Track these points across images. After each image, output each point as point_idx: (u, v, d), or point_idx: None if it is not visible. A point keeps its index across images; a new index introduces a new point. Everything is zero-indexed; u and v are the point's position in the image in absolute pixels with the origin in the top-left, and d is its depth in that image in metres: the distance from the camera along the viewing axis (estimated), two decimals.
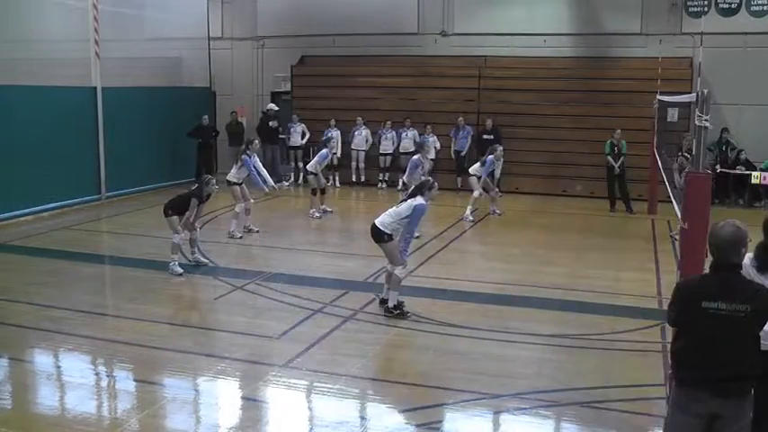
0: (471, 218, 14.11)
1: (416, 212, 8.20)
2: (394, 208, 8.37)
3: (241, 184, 12.57)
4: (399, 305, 8.33)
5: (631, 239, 13.13)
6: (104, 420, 5.97)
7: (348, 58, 19.25)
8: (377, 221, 8.31)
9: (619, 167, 15.29)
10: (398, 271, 8.27)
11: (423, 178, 11.69)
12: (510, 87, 17.87)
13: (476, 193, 14.23)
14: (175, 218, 10.05)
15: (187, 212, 10.15)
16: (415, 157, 13.14)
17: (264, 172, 12.86)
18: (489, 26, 18.32)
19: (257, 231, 12.68)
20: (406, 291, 9.37)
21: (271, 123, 18.52)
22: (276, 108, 18.91)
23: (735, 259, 4.02)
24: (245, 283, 9.55)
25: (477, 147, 17.50)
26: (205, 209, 11.15)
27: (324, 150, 14.52)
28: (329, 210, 14.82)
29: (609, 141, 15.37)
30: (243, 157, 12.55)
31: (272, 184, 13.02)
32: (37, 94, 13.77)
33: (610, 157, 15.33)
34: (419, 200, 8.25)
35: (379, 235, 8.30)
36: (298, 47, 19.89)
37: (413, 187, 8.79)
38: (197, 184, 10.57)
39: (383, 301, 8.49)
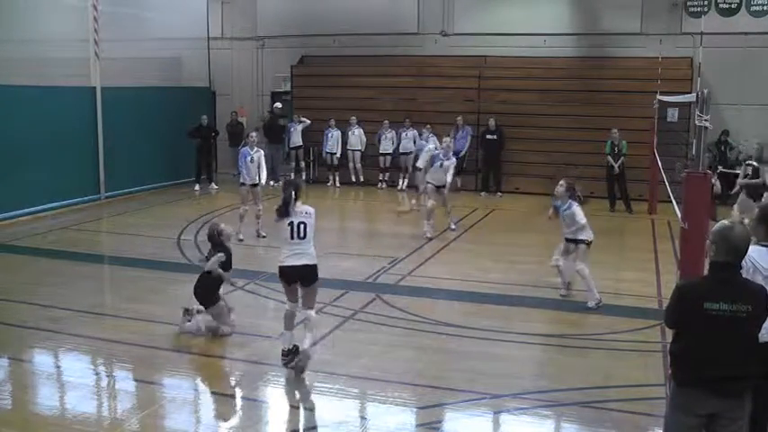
0: (429, 234, 12.48)
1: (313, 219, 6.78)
2: (297, 238, 6.63)
3: (254, 185, 12.12)
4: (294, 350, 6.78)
5: (631, 239, 13.13)
6: (104, 420, 5.97)
7: (348, 58, 19.25)
8: (305, 261, 6.63)
9: (618, 167, 15.29)
10: (315, 315, 6.95)
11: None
12: (510, 87, 17.86)
13: (429, 204, 12.50)
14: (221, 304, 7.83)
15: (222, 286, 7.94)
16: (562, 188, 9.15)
17: (263, 169, 12.22)
18: (489, 26, 18.32)
19: (263, 236, 12.18)
20: (406, 291, 9.41)
21: (281, 122, 18.28)
22: (280, 105, 18.88)
23: (741, 260, 4.03)
24: (245, 283, 9.54)
25: (480, 146, 17.54)
26: (206, 208, 11.01)
27: (422, 143, 14.06)
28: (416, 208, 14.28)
29: (609, 141, 15.38)
30: (241, 151, 12.28)
31: (262, 181, 12.28)
32: (37, 94, 13.77)
33: (609, 157, 15.34)
34: (310, 208, 6.76)
35: (315, 273, 6.75)
36: (298, 47, 19.89)
37: (282, 197, 6.76)
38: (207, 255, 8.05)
39: (289, 353, 6.77)
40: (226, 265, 7.82)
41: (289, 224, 6.60)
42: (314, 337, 6.87)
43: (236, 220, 12.20)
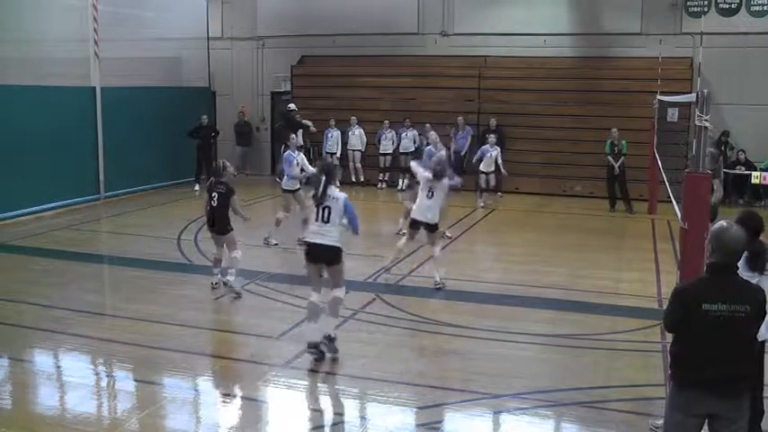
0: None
1: (351, 207, 7.00)
2: (321, 221, 6.88)
3: (297, 190, 11.67)
4: (334, 338, 7.05)
5: (631, 239, 13.12)
6: (104, 420, 5.97)
7: (348, 58, 19.25)
8: (326, 241, 6.84)
9: (618, 167, 15.29)
10: (343, 293, 7.16)
11: None
12: (510, 87, 17.87)
13: (409, 205, 11.22)
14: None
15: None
16: None
17: (307, 170, 11.66)
18: (489, 26, 18.32)
19: (275, 244, 11.73)
20: (406, 291, 9.42)
21: (304, 122, 18.01)
22: (296, 108, 18.60)
23: (738, 260, 4.03)
24: (245, 283, 9.54)
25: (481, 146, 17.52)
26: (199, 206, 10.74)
27: (428, 148, 12.52)
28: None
29: (609, 141, 15.38)
30: (285, 155, 11.91)
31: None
32: (37, 94, 13.75)
33: (610, 157, 15.34)
34: (340, 193, 6.98)
35: (337, 254, 6.93)
36: (298, 47, 19.89)
37: (322, 178, 6.94)
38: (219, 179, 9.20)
39: (316, 346, 6.95)
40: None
41: (316, 206, 6.94)
42: (334, 321, 7.11)
43: (271, 226, 11.82)
